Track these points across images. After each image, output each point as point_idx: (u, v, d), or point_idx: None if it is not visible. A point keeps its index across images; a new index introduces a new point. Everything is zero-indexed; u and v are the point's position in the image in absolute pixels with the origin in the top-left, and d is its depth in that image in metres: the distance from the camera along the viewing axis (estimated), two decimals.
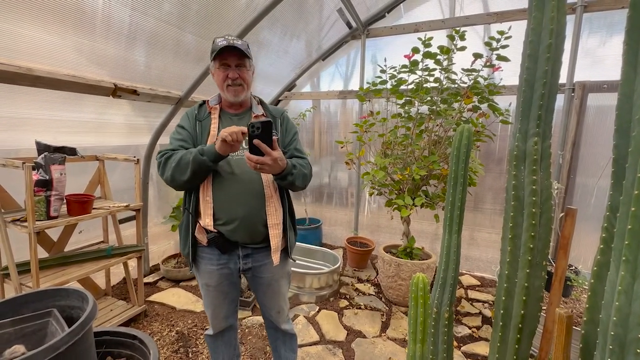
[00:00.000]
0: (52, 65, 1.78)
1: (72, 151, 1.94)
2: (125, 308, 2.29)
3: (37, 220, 1.72)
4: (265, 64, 3.25)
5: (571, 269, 2.42)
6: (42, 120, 2.09)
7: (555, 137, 2.76)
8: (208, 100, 1.40)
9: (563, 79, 2.61)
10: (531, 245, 0.86)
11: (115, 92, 2.03)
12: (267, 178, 1.31)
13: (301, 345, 2.09)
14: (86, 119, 2.32)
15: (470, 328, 2.35)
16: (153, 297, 2.59)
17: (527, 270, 0.87)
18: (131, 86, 2.12)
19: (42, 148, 1.85)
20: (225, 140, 1.15)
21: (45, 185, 1.76)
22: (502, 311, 0.93)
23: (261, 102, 1.45)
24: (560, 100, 2.69)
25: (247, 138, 1.14)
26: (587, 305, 0.68)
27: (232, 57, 1.28)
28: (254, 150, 1.12)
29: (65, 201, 1.89)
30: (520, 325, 0.88)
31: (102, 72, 2.05)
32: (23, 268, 1.81)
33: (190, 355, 1.99)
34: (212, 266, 1.35)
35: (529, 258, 0.86)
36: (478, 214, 3.23)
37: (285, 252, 1.44)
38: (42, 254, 2.02)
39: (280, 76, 3.60)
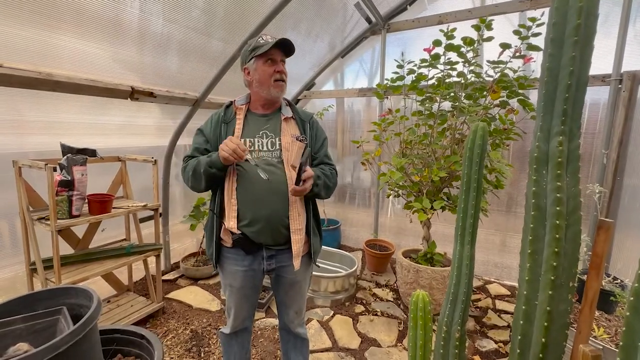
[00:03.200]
0: (72, 70, 1.86)
1: (92, 153, 2.01)
2: (144, 304, 2.36)
3: (59, 219, 1.80)
4: None
5: (616, 283, 2.15)
6: (81, 123, 2.24)
7: (600, 135, 2.48)
8: (234, 101, 1.39)
9: (608, 69, 2.33)
10: (554, 263, 0.73)
11: (133, 94, 2.09)
12: (291, 182, 1.29)
13: (312, 351, 2.03)
14: (120, 122, 2.46)
15: (496, 342, 2.16)
16: (172, 295, 2.65)
17: (550, 292, 0.75)
18: (148, 89, 2.17)
19: (66, 150, 1.94)
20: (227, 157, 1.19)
21: (67, 185, 1.84)
22: (519, 337, 0.81)
23: (290, 104, 1.44)
24: (605, 92, 2.41)
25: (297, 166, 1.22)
26: (621, 343, 0.56)
27: (277, 53, 1.29)
28: (300, 180, 1.22)
29: (86, 201, 1.97)
30: (540, 355, 0.76)
31: (122, 76, 2.13)
32: (50, 264, 1.90)
33: (202, 355, 2.00)
34: (236, 267, 1.36)
35: (552, 278, 0.74)
36: (511, 218, 3.00)
37: (309, 256, 1.43)
38: (69, 250, 2.13)
39: (298, 75, 3.56)
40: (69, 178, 1.85)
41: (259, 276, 1.40)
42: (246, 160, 1.25)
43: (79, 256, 2.05)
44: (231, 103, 1.40)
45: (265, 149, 1.32)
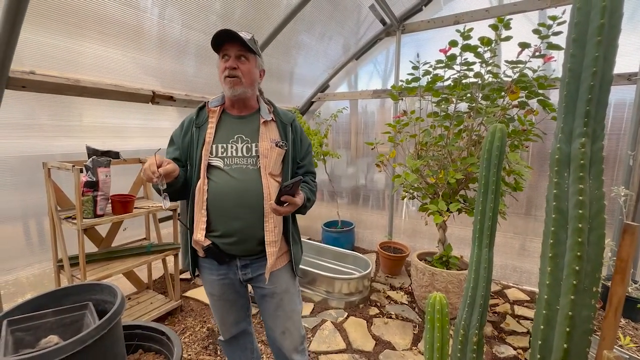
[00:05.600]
0: (97, 76, 1.95)
1: (116, 155, 2.09)
2: (163, 302, 2.43)
3: (84, 218, 1.88)
4: (297, 66, 3.27)
5: None
6: (104, 126, 2.34)
7: (625, 136, 2.38)
8: (208, 102, 1.27)
9: (635, 67, 2.24)
10: (577, 267, 0.72)
11: (154, 98, 2.16)
12: (268, 192, 1.20)
13: (326, 353, 2.04)
14: (140, 125, 2.56)
15: (515, 349, 2.11)
16: (189, 293, 2.71)
17: (572, 297, 0.73)
18: (167, 93, 2.24)
19: (91, 152, 2.03)
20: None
21: (92, 186, 1.92)
22: (540, 342, 0.79)
23: (271, 105, 1.33)
24: (631, 92, 2.32)
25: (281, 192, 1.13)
26: None
27: (232, 48, 1.17)
28: (281, 202, 1.13)
29: (110, 201, 2.05)
30: None
31: (143, 80, 2.21)
32: (75, 261, 1.99)
33: (218, 352, 2.04)
34: (212, 276, 1.30)
35: (574, 282, 0.72)
36: (531, 221, 2.91)
37: (290, 267, 1.34)
38: (93, 248, 2.22)
39: (312, 77, 3.59)
40: (94, 179, 1.93)
41: (237, 284, 1.32)
42: (159, 185, 1.08)
43: (103, 254, 2.14)
44: (204, 104, 1.28)
45: (239, 154, 1.21)
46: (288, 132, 1.28)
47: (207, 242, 1.21)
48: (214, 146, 1.21)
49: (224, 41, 1.17)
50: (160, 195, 1.13)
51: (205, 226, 1.20)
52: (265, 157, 1.21)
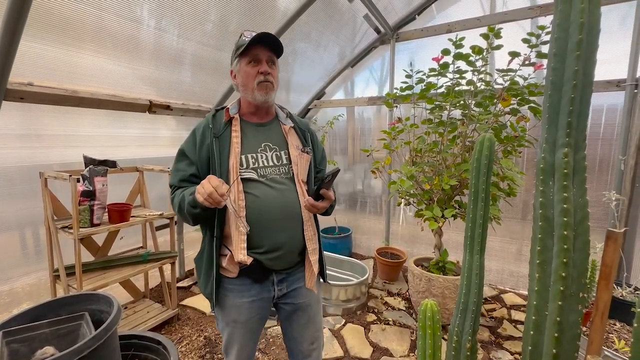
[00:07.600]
0: (94, 86, 1.97)
1: (113, 164, 2.11)
2: (160, 311, 2.42)
3: (81, 228, 1.89)
4: (294, 74, 3.31)
5: (638, 293, 2.09)
6: (101, 135, 2.36)
7: (617, 141, 2.43)
8: (228, 108, 1.19)
9: (623, 74, 2.30)
10: (563, 274, 0.74)
11: (151, 108, 2.18)
12: (304, 199, 1.16)
13: None
14: (138, 134, 2.59)
15: (512, 354, 2.11)
16: (186, 302, 2.70)
17: (560, 303, 0.75)
18: (164, 102, 2.26)
19: (88, 161, 2.04)
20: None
21: (89, 195, 1.93)
22: (530, 347, 0.81)
23: (289, 113, 1.30)
24: (620, 98, 2.36)
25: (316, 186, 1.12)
26: (630, 355, 0.56)
27: (263, 51, 1.13)
28: (318, 196, 1.12)
29: (106, 210, 2.05)
30: None
31: (140, 90, 2.24)
32: (72, 270, 1.99)
33: None
34: (242, 299, 1.17)
35: (561, 288, 0.74)
36: (527, 226, 2.94)
37: (320, 275, 1.32)
38: (89, 257, 2.22)
39: (309, 84, 3.63)
40: (91, 188, 1.94)
41: (267, 306, 1.23)
42: (232, 207, 1.07)
43: (99, 263, 2.13)
44: (216, 112, 1.20)
45: (271, 163, 1.16)
46: (307, 138, 1.27)
47: (249, 260, 1.11)
48: (242, 157, 1.13)
49: (256, 43, 1.11)
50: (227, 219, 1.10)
51: (246, 245, 1.11)
52: (296, 165, 1.19)
